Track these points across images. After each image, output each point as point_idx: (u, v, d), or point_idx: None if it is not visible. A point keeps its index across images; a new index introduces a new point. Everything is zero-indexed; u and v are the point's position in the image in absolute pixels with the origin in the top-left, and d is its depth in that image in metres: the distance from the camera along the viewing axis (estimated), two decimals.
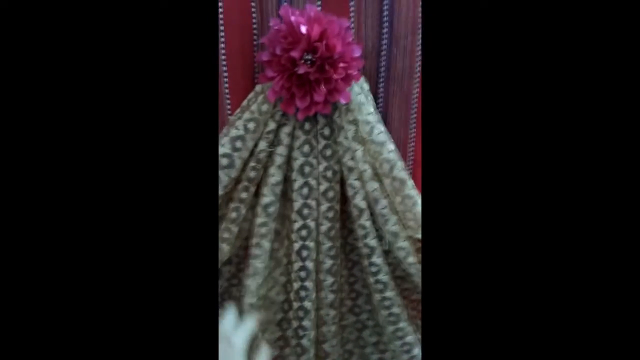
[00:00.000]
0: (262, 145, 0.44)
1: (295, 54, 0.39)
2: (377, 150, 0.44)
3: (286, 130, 0.44)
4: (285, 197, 0.48)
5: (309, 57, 0.39)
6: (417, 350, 0.51)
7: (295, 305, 0.49)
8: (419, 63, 0.47)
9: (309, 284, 0.48)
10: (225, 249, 0.47)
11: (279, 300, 0.53)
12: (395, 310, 0.50)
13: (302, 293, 0.48)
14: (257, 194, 0.47)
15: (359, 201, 0.46)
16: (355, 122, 0.44)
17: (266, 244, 0.47)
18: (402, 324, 0.50)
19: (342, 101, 0.42)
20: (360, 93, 0.44)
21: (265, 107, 0.43)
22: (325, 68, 0.40)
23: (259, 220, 0.46)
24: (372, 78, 0.48)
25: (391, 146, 0.45)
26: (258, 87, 0.44)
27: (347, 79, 0.41)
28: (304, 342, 0.50)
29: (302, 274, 0.48)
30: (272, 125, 0.43)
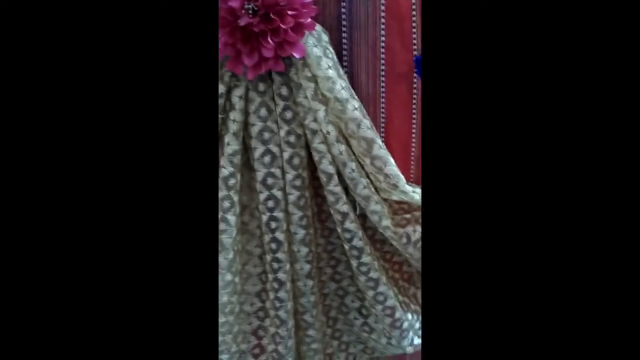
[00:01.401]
0: None
1: (234, 3, 0.34)
2: (340, 109, 0.40)
3: (238, 93, 0.40)
4: (248, 166, 0.44)
5: (251, 5, 0.34)
6: (399, 314, 0.50)
7: (270, 277, 0.47)
8: (383, 8, 0.42)
9: (281, 255, 0.46)
10: None
11: (256, 272, 0.52)
12: (373, 275, 0.48)
13: (275, 265, 0.47)
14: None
15: (326, 166, 0.43)
16: (314, 78, 0.40)
17: (232, 218, 0.44)
18: (381, 288, 0.49)
19: (296, 55, 0.37)
20: (316, 45, 0.39)
21: None
22: (270, 17, 0.35)
23: (221, 193, 0.43)
24: (333, 27, 0.43)
25: (356, 103, 0.41)
26: None
27: (299, 29, 0.36)
28: (281, 313, 0.49)
29: (273, 245, 0.46)
30: (221, 89, 0.39)
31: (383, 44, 0.43)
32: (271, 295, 0.48)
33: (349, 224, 0.45)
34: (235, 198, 0.43)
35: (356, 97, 0.42)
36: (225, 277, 0.46)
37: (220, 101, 0.40)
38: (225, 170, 0.42)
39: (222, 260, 0.45)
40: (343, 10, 0.43)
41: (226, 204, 0.43)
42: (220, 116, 0.40)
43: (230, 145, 0.41)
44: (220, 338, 0.49)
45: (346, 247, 0.47)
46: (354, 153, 0.43)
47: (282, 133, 0.42)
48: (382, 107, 0.46)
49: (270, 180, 0.43)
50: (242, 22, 0.34)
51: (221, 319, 0.48)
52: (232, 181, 0.42)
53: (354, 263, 0.48)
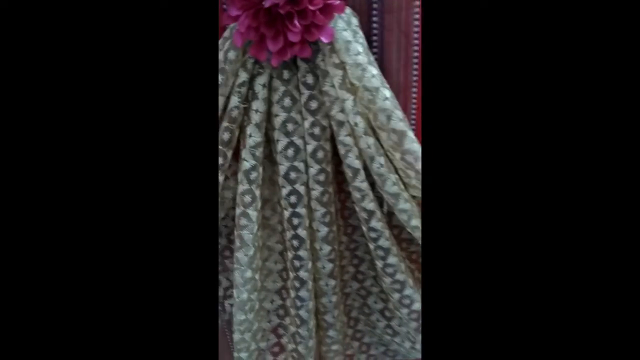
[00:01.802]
0: (234, 101, 0.38)
1: None
2: (370, 99, 0.37)
3: (261, 81, 0.37)
4: (270, 159, 0.42)
5: None
6: None
7: (292, 275, 0.45)
8: None
9: (303, 253, 0.44)
10: None
11: (277, 269, 0.50)
12: (399, 277, 0.45)
13: (297, 263, 0.45)
14: (237, 159, 0.41)
15: (353, 160, 0.40)
16: (342, 65, 0.37)
17: (253, 213, 0.42)
18: (407, 291, 0.46)
19: (324, 40, 0.34)
20: (346, 29, 0.36)
21: (232, 55, 0.36)
22: None
23: (242, 187, 0.41)
24: (363, 10, 0.40)
25: (387, 93, 0.38)
26: (227, 32, 0.37)
27: (328, 11, 0.33)
28: (302, 312, 0.47)
29: (295, 242, 0.44)
30: (243, 76, 0.37)
31: (416, 29, 0.40)
32: (292, 293, 0.46)
33: (375, 223, 0.43)
34: (257, 192, 0.41)
35: (387, 86, 0.38)
36: (245, 274, 0.45)
37: (243, 89, 0.37)
38: (247, 163, 0.40)
39: (243, 256, 0.44)
40: None
41: (247, 198, 0.41)
42: (242, 105, 0.38)
43: (253, 137, 0.39)
44: (239, 336, 0.48)
45: (371, 246, 0.44)
46: (382, 147, 0.40)
47: (307, 124, 0.39)
48: (414, 98, 0.43)
49: (293, 175, 0.41)
50: (267, 3, 0.32)
51: (241, 317, 0.47)
52: (254, 174, 0.41)
53: (379, 264, 0.45)
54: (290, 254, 0.44)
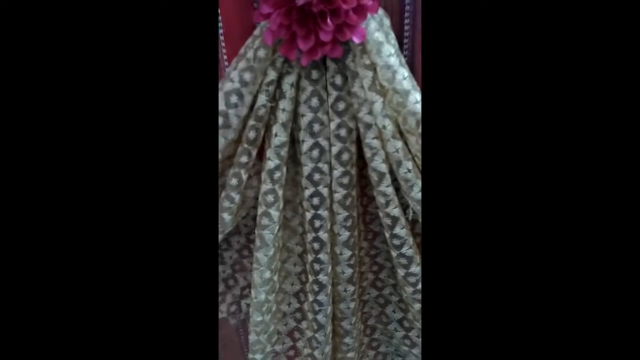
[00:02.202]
0: (262, 99, 0.37)
1: None
2: (400, 102, 0.36)
3: (289, 80, 0.37)
4: (294, 160, 0.42)
5: None
6: None
7: (311, 278, 0.44)
8: None
9: (323, 256, 0.43)
10: (227, 219, 0.43)
11: (295, 271, 0.49)
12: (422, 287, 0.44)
13: (317, 266, 0.44)
14: (261, 158, 0.41)
15: (379, 164, 0.39)
16: (372, 66, 0.36)
17: (275, 213, 0.42)
18: None
19: (356, 40, 0.34)
20: (378, 30, 0.35)
21: (262, 53, 0.36)
22: None
23: (265, 187, 0.41)
24: (395, 11, 0.39)
25: (418, 96, 0.37)
26: (257, 30, 0.37)
27: (361, 11, 0.33)
28: (320, 317, 0.46)
29: (316, 245, 0.43)
30: (272, 75, 0.36)
31: None
32: (310, 297, 0.45)
33: (399, 230, 0.41)
34: (280, 192, 0.41)
35: (418, 89, 0.37)
36: (264, 274, 0.44)
37: (271, 88, 0.37)
38: (271, 162, 0.40)
39: (262, 256, 0.43)
40: None
41: (270, 198, 0.41)
42: (270, 104, 0.37)
43: (278, 136, 0.39)
44: (255, 337, 0.47)
45: (394, 254, 0.43)
46: (410, 151, 0.38)
47: (333, 126, 0.39)
48: None
49: (317, 176, 0.40)
50: (300, 1, 0.31)
51: (257, 318, 0.46)
52: (277, 174, 0.40)
53: (400, 272, 0.44)
54: (310, 257, 0.44)
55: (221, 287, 0.53)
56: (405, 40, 0.40)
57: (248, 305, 0.54)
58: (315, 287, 0.45)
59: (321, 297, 0.45)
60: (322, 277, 0.44)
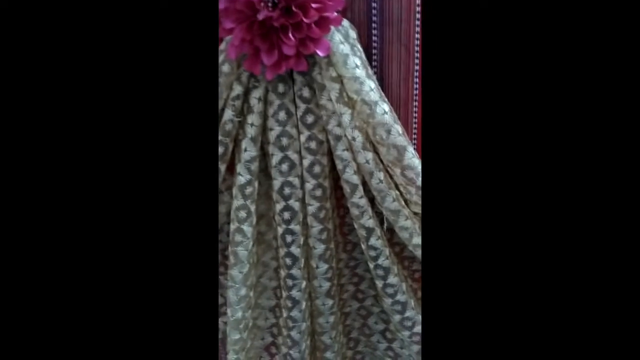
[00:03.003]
0: (229, 114, 0.37)
1: None
2: (368, 113, 0.36)
3: (256, 94, 0.36)
4: (266, 174, 0.41)
5: None
6: None
7: (284, 294, 0.44)
8: (419, 2, 0.37)
9: (295, 271, 0.42)
10: None
11: (271, 286, 0.48)
12: (400, 297, 0.43)
13: (289, 282, 0.43)
14: (232, 172, 0.40)
15: (350, 175, 0.38)
16: (339, 79, 0.36)
17: (248, 229, 0.41)
18: (409, 313, 0.44)
19: (320, 53, 0.34)
20: (343, 42, 0.35)
21: (227, 68, 0.35)
22: (292, 11, 0.31)
23: (237, 202, 0.40)
24: (362, 22, 0.39)
25: (385, 107, 0.37)
26: (222, 45, 0.36)
27: (324, 24, 0.33)
28: (294, 334, 0.45)
29: (288, 260, 0.42)
30: (238, 90, 0.36)
31: (418, 42, 0.39)
32: (284, 313, 0.45)
33: (374, 241, 0.41)
34: (252, 208, 0.40)
35: (386, 100, 0.37)
36: (240, 291, 0.43)
37: (238, 103, 0.37)
38: (242, 177, 0.39)
39: (237, 273, 0.42)
40: (374, 4, 0.39)
41: (242, 213, 0.40)
42: (237, 119, 0.37)
43: (248, 151, 0.38)
44: (234, 356, 0.46)
45: (371, 265, 0.42)
46: (382, 162, 0.38)
47: (303, 139, 0.38)
48: (415, 111, 0.42)
49: (287, 190, 0.40)
50: (261, 15, 0.31)
51: (235, 336, 0.45)
52: (249, 189, 0.39)
53: (379, 284, 0.43)
54: (283, 272, 0.43)
55: None
56: (374, 51, 0.40)
57: (225, 323, 0.52)
58: (289, 303, 0.44)
59: (294, 314, 0.44)
60: (295, 293, 0.43)
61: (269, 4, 0.31)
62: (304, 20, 0.31)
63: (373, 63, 0.40)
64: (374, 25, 0.39)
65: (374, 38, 0.40)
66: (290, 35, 0.32)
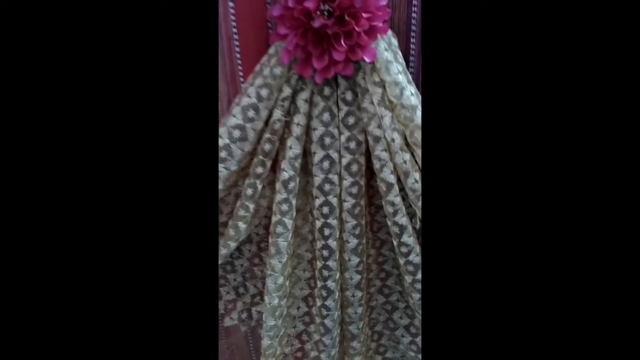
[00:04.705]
0: (277, 114, 0.39)
1: (309, 4, 0.33)
2: (407, 116, 0.39)
3: (303, 96, 0.39)
4: (305, 171, 0.44)
5: (326, 7, 0.34)
6: None
7: (319, 284, 0.46)
8: None
9: (332, 263, 0.45)
10: (242, 227, 0.44)
11: (305, 277, 0.51)
12: None
13: (325, 272, 0.45)
14: (275, 169, 0.43)
15: (387, 175, 0.41)
16: (382, 83, 0.38)
17: (288, 222, 0.44)
18: None
19: (366, 59, 0.36)
20: (387, 49, 0.38)
21: (278, 71, 0.38)
22: (345, 20, 0.34)
23: (280, 196, 0.43)
24: (402, 31, 0.41)
25: None
26: (272, 49, 0.39)
27: (372, 33, 0.35)
28: (327, 322, 0.47)
29: (325, 252, 0.45)
30: (287, 91, 0.39)
31: None
32: (318, 302, 0.47)
33: (406, 238, 0.43)
34: (294, 202, 0.43)
35: None
36: (278, 280, 0.46)
37: (286, 103, 0.39)
38: (285, 173, 0.42)
39: (277, 263, 0.45)
40: (414, 15, 0.41)
41: (284, 207, 0.43)
42: (285, 119, 0.40)
43: (293, 148, 0.41)
44: (267, 342, 0.49)
45: (401, 261, 0.45)
46: (417, 163, 0.41)
47: (343, 139, 0.41)
48: None
49: (327, 186, 0.42)
50: (316, 23, 0.34)
51: (271, 322, 0.48)
52: (291, 185, 0.42)
53: (408, 279, 0.45)
54: (319, 264, 0.45)
55: (232, 295, 0.54)
56: (412, 59, 0.42)
57: (258, 312, 0.55)
58: (324, 293, 0.46)
59: (329, 303, 0.46)
60: (330, 283, 0.46)
61: (325, 13, 0.34)
62: (356, 28, 0.34)
63: (411, 70, 0.42)
64: (412, 34, 0.42)
65: (412, 47, 0.42)
66: (342, 42, 0.34)
